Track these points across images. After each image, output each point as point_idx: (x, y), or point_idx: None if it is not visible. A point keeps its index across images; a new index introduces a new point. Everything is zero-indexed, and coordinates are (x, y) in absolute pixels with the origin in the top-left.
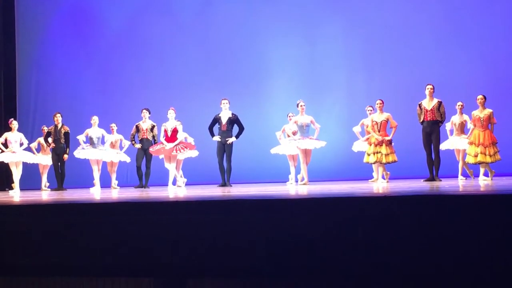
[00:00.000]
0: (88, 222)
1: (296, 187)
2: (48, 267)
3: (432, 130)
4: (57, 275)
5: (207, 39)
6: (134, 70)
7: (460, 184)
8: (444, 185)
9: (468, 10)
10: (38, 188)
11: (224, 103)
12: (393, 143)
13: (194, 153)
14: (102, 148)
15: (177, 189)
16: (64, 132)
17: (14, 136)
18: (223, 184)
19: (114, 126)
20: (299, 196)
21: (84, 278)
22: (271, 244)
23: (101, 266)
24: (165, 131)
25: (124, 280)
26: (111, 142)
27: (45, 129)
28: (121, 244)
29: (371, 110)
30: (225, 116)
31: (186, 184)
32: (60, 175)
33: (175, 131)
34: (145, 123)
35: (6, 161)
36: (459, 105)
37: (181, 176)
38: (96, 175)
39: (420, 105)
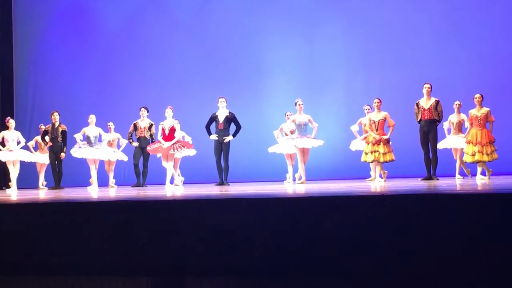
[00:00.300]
0: (86, 221)
1: (293, 186)
2: (46, 266)
3: (430, 129)
4: (54, 274)
5: (205, 38)
6: (132, 69)
7: (457, 183)
8: (442, 184)
9: (466, 10)
10: (35, 186)
11: (221, 102)
12: (390, 142)
13: (191, 152)
14: (99, 147)
15: (174, 188)
16: (62, 131)
17: (11, 134)
18: (221, 183)
19: (111, 125)
20: (296, 195)
21: (82, 277)
22: (269, 243)
23: (99, 265)
24: (163, 130)
25: (122, 279)
26: (109, 141)
27: (43, 127)
28: (118, 243)
29: (369, 109)
30: (222, 114)
31: (183, 183)
32: (57, 174)
33: (172, 130)
34: (143, 122)
35: (3, 160)
36: (456, 104)
37: (178, 175)
38: (93, 173)
39: (417, 104)
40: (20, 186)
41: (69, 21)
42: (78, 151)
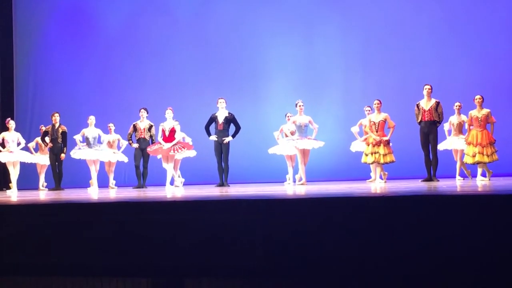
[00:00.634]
0: (86, 222)
1: (294, 187)
2: (46, 267)
3: (430, 131)
4: (54, 275)
5: (205, 38)
6: (132, 70)
7: (457, 184)
8: (442, 185)
9: (466, 10)
10: (36, 188)
11: (220, 102)
12: (391, 144)
13: (192, 153)
14: (98, 148)
15: (175, 189)
16: (62, 132)
17: (12, 135)
18: (221, 184)
19: (111, 126)
20: (297, 196)
21: (81, 278)
22: (269, 244)
23: (99, 266)
24: (163, 131)
25: (122, 280)
26: (109, 142)
27: (43, 128)
28: (118, 244)
29: (369, 111)
30: (221, 115)
31: (184, 184)
32: (57, 175)
33: (172, 131)
34: (143, 123)
35: (3, 161)
36: (457, 106)
37: (179, 176)
38: (94, 175)
39: (418, 105)
40: (20, 187)
41: (69, 22)
42: (77, 152)
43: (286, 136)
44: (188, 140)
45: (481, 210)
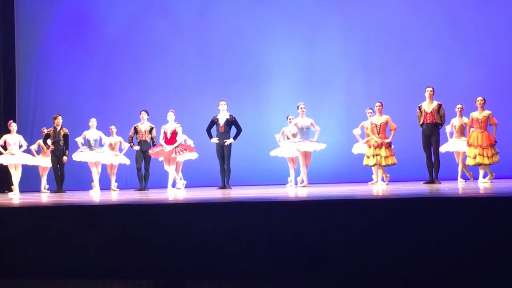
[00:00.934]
0: (88, 225)
1: (295, 189)
2: (48, 269)
3: (432, 133)
4: (56, 277)
5: (207, 41)
6: (134, 72)
7: (459, 186)
8: (444, 187)
9: (468, 12)
10: (38, 190)
11: (221, 105)
12: (392, 146)
13: (193, 155)
14: (99, 151)
15: (176, 191)
16: (63, 134)
17: (13, 138)
18: (223, 187)
19: (113, 128)
20: (298, 198)
21: (83, 280)
22: (271, 247)
23: (100, 268)
24: (165, 133)
25: (123, 282)
26: (110, 144)
27: (45, 131)
28: (120, 246)
29: (371, 113)
30: (222, 117)
31: (185, 186)
32: (59, 177)
33: (174, 134)
34: (144, 125)
35: (5, 163)
36: (458, 108)
37: (180, 178)
38: (95, 177)
39: (420, 108)
40: (22, 190)
41: (70, 24)
42: (79, 154)
43: (288, 138)
44: (190, 142)
45: (483, 212)
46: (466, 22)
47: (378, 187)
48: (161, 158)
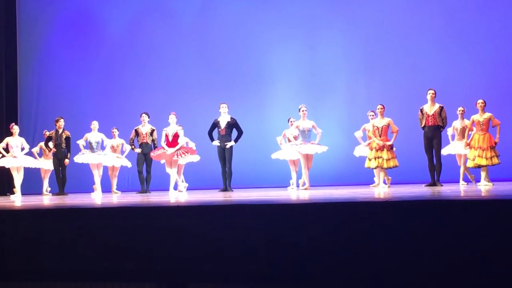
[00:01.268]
0: (89, 227)
1: (297, 192)
2: (49, 272)
3: (434, 135)
4: (57, 280)
5: (208, 43)
6: (136, 75)
7: (461, 189)
8: (446, 190)
9: (469, 15)
10: (40, 193)
11: (222, 107)
12: (394, 148)
13: (195, 158)
14: (101, 153)
15: (178, 194)
16: (65, 137)
17: (15, 141)
18: (225, 189)
19: (115, 131)
20: (300, 201)
21: (85, 283)
22: (272, 249)
23: (102, 270)
24: (166, 136)
25: (125, 285)
26: (112, 146)
27: (47, 133)
28: (122, 249)
29: (373, 115)
30: (223, 120)
31: (187, 189)
32: (61, 180)
33: (176, 136)
34: (145, 127)
35: (7, 166)
36: (460, 110)
37: (182, 181)
38: (97, 179)
39: (421, 110)
40: (24, 192)
41: (72, 26)
42: (81, 156)
43: (289, 141)
44: (192, 145)
45: (485, 215)
46: (468, 24)
47: (380, 190)
48: (163, 161)
